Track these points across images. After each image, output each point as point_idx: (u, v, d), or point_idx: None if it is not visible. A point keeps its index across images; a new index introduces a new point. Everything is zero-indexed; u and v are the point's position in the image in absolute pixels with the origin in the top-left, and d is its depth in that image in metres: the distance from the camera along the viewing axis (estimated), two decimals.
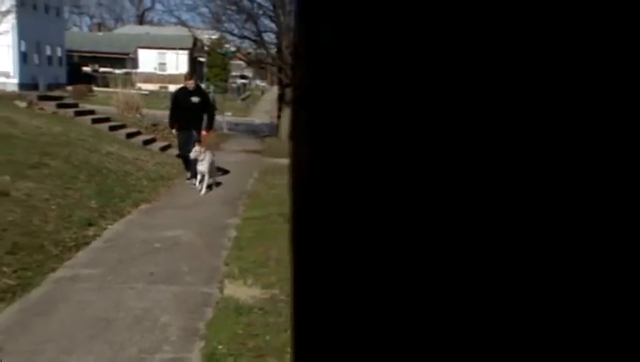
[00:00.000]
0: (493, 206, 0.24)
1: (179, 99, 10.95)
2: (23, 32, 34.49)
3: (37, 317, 4.59)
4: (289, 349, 2.64)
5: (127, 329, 4.54)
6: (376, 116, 0.27)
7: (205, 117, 10.95)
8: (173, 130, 11.42)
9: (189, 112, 10.62)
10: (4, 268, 5.30)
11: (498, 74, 0.24)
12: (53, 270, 5.65)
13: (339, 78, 0.28)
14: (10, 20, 30.79)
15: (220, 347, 4.29)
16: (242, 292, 5.46)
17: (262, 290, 5.53)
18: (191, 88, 10.82)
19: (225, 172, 12.24)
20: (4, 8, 29.13)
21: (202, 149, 9.98)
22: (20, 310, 4.73)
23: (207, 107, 11.12)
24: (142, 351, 4.17)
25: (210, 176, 10.24)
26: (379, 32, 0.26)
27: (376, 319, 0.28)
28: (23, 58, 35.49)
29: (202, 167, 9.96)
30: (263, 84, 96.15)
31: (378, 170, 0.27)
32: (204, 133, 10.81)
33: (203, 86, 39.51)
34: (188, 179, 10.99)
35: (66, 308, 4.85)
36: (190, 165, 10.73)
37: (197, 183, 10.20)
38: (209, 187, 10.33)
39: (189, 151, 10.22)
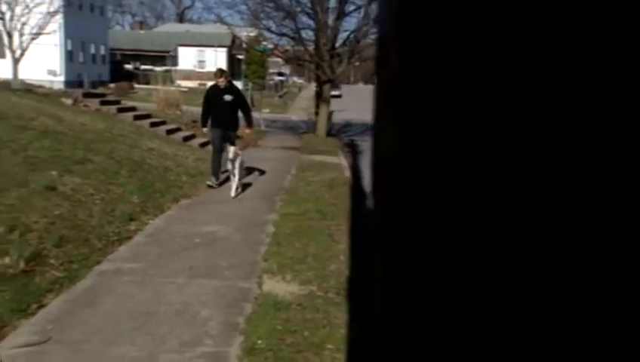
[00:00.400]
0: (589, 204, 0.25)
1: (211, 98, 10.57)
2: (69, 31, 35.28)
3: (83, 309, 4.70)
4: (327, 345, 2.68)
5: (169, 322, 4.62)
6: (471, 110, 0.27)
7: (240, 115, 10.60)
8: (204, 129, 11.18)
9: (222, 111, 10.26)
10: (52, 261, 5.45)
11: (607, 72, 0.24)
12: (98, 263, 5.78)
13: (434, 72, 0.28)
14: (58, 20, 31.48)
15: (259, 342, 4.32)
16: (281, 288, 5.50)
17: (300, 286, 5.56)
18: (223, 86, 10.35)
19: (261, 172, 12.12)
20: (52, 9, 29.79)
21: (238, 150, 9.74)
22: (68, 301, 4.86)
23: (242, 105, 10.66)
24: (183, 344, 4.23)
25: (239, 178, 9.88)
26: (476, 28, 0.27)
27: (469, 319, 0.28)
28: (69, 57, 36.33)
29: (235, 169, 9.67)
30: (300, 81, 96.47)
31: (471, 163, 0.27)
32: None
33: (240, 83, 39.85)
34: (211, 183, 10.48)
35: (110, 300, 4.95)
36: (214, 164, 10.47)
37: (233, 185, 9.78)
38: (234, 187, 9.88)
39: (222, 151, 10.22)
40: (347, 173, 13.21)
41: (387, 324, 0.36)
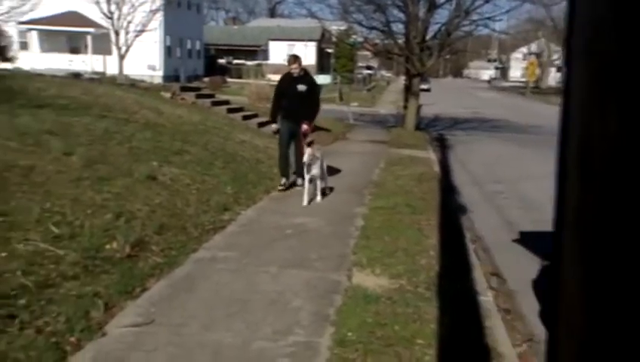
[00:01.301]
0: None
1: (283, 87, 9.64)
2: (168, 28, 36.67)
3: (182, 294, 4.88)
4: (418, 340, 2.65)
5: (262, 310, 4.72)
6: None
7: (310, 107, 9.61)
8: (274, 126, 9.90)
9: (294, 102, 9.35)
10: (154, 247, 5.69)
11: None
12: (194, 251, 5.98)
13: None
14: (158, 18, 32.80)
15: (349, 334, 4.34)
16: (370, 281, 5.50)
17: (390, 280, 5.53)
18: (296, 74, 9.38)
19: (337, 171, 11.38)
20: (154, 7, 31.06)
21: (315, 150, 8.79)
22: (168, 286, 5.06)
23: (314, 96, 9.62)
24: (275, 332, 4.32)
25: (323, 180, 9.04)
26: None
27: None
28: (168, 52, 37.77)
29: (315, 170, 8.65)
30: (389, 74, 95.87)
31: None
32: (304, 126, 9.39)
33: (329, 77, 40.04)
34: (281, 185, 9.59)
35: (207, 287, 5.12)
36: (281, 162, 9.69)
37: (306, 191, 8.64)
38: (323, 193, 9.07)
39: (289, 147, 9.46)
40: (436, 168, 13.02)
41: (593, 332, 0.34)
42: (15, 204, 5.56)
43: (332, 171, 10.74)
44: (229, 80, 39.91)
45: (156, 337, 4.09)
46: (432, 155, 15.19)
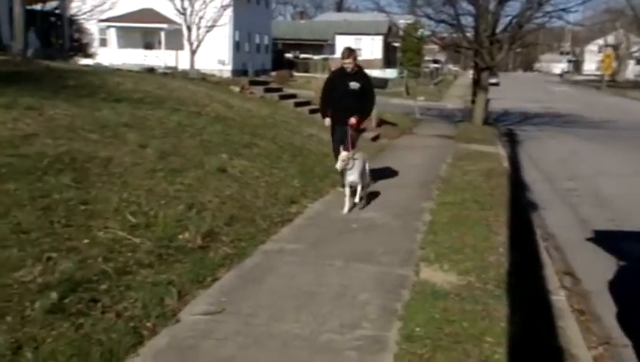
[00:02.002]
0: None
1: (334, 84, 8.67)
2: (237, 23, 37.26)
3: (251, 284, 4.97)
4: (487, 338, 2.61)
5: (329, 303, 4.74)
6: None
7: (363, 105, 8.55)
8: (326, 120, 8.84)
9: (344, 101, 8.34)
10: (224, 238, 5.81)
11: None
12: (263, 242, 6.06)
13: None
14: (228, 13, 33.37)
15: (417, 329, 4.30)
16: (438, 276, 5.44)
17: (458, 276, 5.45)
18: (350, 70, 8.37)
19: (394, 173, 10.65)
20: (224, 2, 31.63)
21: (351, 155, 7.69)
22: (237, 276, 5.16)
23: (367, 94, 8.59)
24: (343, 326, 4.32)
25: (363, 187, 7.87)
26: None
27: None
28: (236, 47, 38.38)
29: (352, 176, 7.60)
30: (456, 68, 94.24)
31: None
32: (352, 120, 8.30)
33: (395, 71, 39.75)
34: (342, 187, 8.24)
35: (275, 279, 5.19)
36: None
37: (346, 199, 7.68)
38: (363, 200, 8.01)
39: (345, 148, 7.91)
40: (505, 163, 12.74)
41: None
42: (95, 193, 5.79)
43: (389, 172, 10.62)
44: (295, 74, 40.17)
45: (226, 326, 4.17)
46: (500, 151, 14.85)
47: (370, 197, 8.36)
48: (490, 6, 20.52)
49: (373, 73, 44.19)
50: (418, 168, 11.54)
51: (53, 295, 3.91)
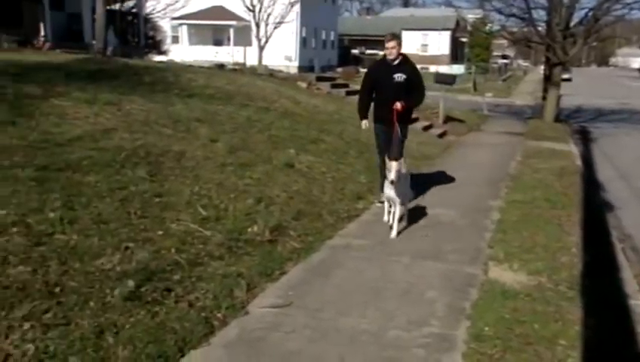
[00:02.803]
0: None
1: (376, 77, 7.42)
2: (304, 19, 37.49)
3: (318, 279, 5.00)
4: (560, 341, 2.51)
5: (396, 299, 4.71)
6: None
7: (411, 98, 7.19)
8: (363, 122, 7.63)
9: (390, 96, 7.07)
10: (291, 232, 5.87)
11: None
12: (330, 237, 6.08)
13: None
14: (295, 10, 33.63)
15: (486, 329, 4.22)
16: (507, 276, 5.31)
17: (528, 276, 5.30)
18: (393, 60, 7.10)
19: (450, 179, 9.48)
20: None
21: (402, 166, 6.36)
22: (304, 270, 5.20)
23: (416, 87, 7.24)
24: (410, 322, 4.29)
25: (402, 203, 6.53)
26: None
27: None
28: (303, 43, 38.63)
29: (392, 191, 6.32)
30: (526, 64, 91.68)
31: None
32: (397, 104, 6.98)
33: (462, 66, 38.90)
34: (380, 202, 7.24)
35: (341, 274, 5.19)
36: (383, 173, 7.01)
37: (386, 215, 6.73)
38: (404, 220, 6.74)
39: (393, 156, 6.46)
40: (578, 161, 12.30)
41: None
42: (169, 186, 5.96)
43: (456, 170, 10.40)
44: (361, 70, 40.05)
45: (294, 319, 4.22)
46: (573, 148, 14.35)
47: (438, 195, 8.24)
48: None
49: (440, 69, 43.64)
50: (486, 166, 11.30)
51: (131, 283, 4.05)
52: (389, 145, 7.10)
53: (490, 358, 3.83)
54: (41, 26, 16.21)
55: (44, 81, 8.32)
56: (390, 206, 6.57)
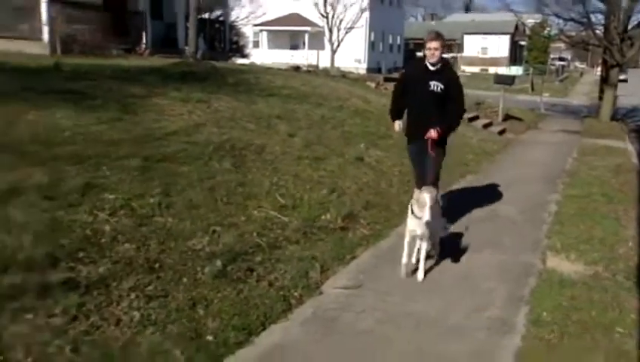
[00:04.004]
0: None
1: (410, 81, 5.71)
2: (373, 24, 37.19)
3: (386, 264, 4.93)
4: (617, 328, 2.37)
5: (457, 287, 4.59)
6: None
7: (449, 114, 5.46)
8: (396, 123, 5.89)
9: (423, 108, 5.45)
10: (362, 220, 5.83)
11: None
12: (397, 226, 5.96)
13: None
14: (365, 15, 33.43)
15: (544, 314, 4.09)
16: (565, 266, 5.12)
17: (585, 266, 5.10)
18: (434, 64, 5.38)
19: (498, 196, 7.62)
20: (363, 5, 31.74)
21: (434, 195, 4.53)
22: (373, 255, 5.16)
23: (454, 98, 5.46)
24: (472, 308, 4.19)
25: (432, 239, 4.85)
26: None
27: None
28: (371, 46, 38.35)
29: (420, 227, 4.60)
30: (582, 65, 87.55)
31: None
32: (431, 133, 5.33)
33: (521, 68, 37.64)
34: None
35: None
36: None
37: (405, 257, 4.75)
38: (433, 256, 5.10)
39: (428, 184, 5.02)
40: (635, 159, 11.64)
41: None
42: (251, 177, 6.04)
43: (515, 165, 10.01)
44: None
45: (364, 300, 4.19)
46: (629, 146, 13.59)
47: (496, 188, 7.99)
48: (622, 3, 18.78)
49: (500, 70, 42.31)
50: (543, 162, 10.87)
51: (218, 262, 4.13)
52: (424, 170, 5.53)
53: (547, 342, 3.71)
54: (143, 34, 16.77)
55: (146, 83, 8.59)
56: (414, 243, 4.79)
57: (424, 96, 5.39)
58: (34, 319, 3.07)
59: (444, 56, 5.62)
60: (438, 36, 5.38)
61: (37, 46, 12.84)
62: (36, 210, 3.98)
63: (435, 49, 5.32)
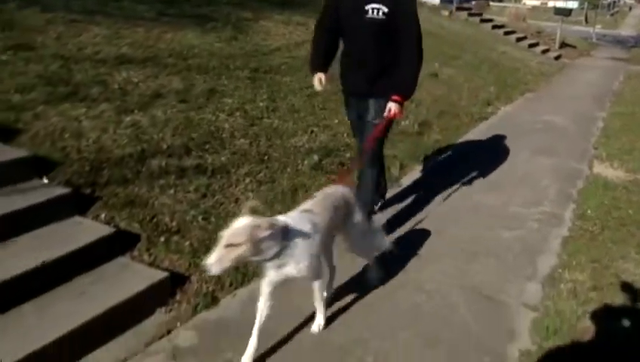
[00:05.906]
0: None
1: (342, 7, 2.84)
2: None
3: (458, 164, 4.58)
4: None
5: (516, 185, 4.26)
6: None
7: (401, 62, 2.78)
8: (316, 78, 2.93)
9: (359, 44, 2.83)
10: (434, 127, 5.40)
11: None
12: (465, 133, 5.54)
13: None
14: None
15: (588, 211, 3.80)
16: (608, 172, 4.71)
17: (626, 173, 4.68)
18: None
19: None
20: None
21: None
22: (445, 157, 4.78)
23: (404, 32, 2.73)
24: (527, 202, 3.91)
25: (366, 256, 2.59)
26: None
27: None
28: None
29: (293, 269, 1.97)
30: (632, 1, 76.23)
31: None
32: (392, 106, 2.80)
33: (576, 2, 33.43)
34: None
35: (473, 161, 4.69)
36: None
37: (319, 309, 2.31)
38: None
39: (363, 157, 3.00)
40: None
41: None
42: None
43: (570, 86, 8.93)
44: (491, 3, 35.72)
45: (433, 195, 3.92)
46: None
47: (551, 104, 7.18)
48: None
49: (558, 4, 37.56)
50: (593, 84, 9.64)
51: (315, 157, 3.94)
52: (365, 128, 2.98)
53: (591, 233, 3.45)
54: None
55: (255, 8, 8.13)
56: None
57: (359, 28, 2.79)
58: (175, 194, 3.05)
59: None
60: None
61: None
62: (174, 110, 3.89)
63: None
